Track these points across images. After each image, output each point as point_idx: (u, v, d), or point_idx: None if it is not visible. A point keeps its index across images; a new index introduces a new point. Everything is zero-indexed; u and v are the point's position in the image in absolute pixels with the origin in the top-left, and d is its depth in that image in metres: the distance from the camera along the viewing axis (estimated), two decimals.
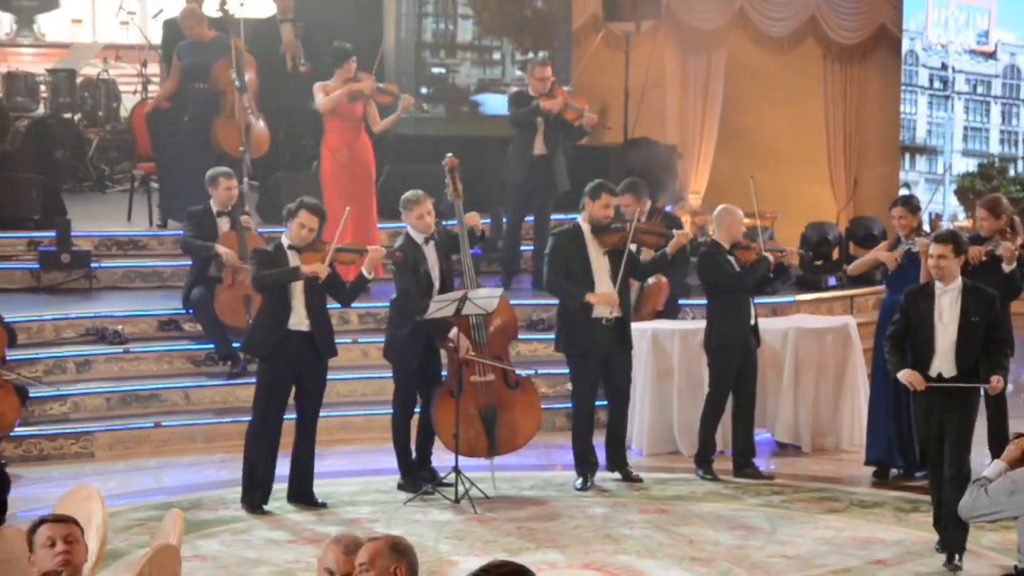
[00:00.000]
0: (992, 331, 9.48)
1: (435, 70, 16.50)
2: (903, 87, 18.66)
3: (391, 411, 11.24)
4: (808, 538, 10.17)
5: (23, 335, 12.44)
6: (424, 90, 16.28)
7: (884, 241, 12.35)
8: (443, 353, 11.27)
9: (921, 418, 9.55)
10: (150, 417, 12.55)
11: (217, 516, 10.54)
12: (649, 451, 12.30)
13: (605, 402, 11.56)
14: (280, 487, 10.77)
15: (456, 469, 10.87)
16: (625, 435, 11.72)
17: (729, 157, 17.70)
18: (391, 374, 11.37)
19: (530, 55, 16.13)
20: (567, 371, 11.69)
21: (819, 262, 15.40)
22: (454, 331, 11.04)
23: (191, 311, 13.03)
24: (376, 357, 12.27)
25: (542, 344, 13.35)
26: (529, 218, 14.45)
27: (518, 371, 11.55)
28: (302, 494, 10.79)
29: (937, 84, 18.72)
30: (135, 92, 17.64)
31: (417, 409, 11.26)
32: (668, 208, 14.12)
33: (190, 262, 13.13)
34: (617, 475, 11.46)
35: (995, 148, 18.70)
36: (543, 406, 11.69)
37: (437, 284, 11.06)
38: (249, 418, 10.82)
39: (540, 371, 12.94)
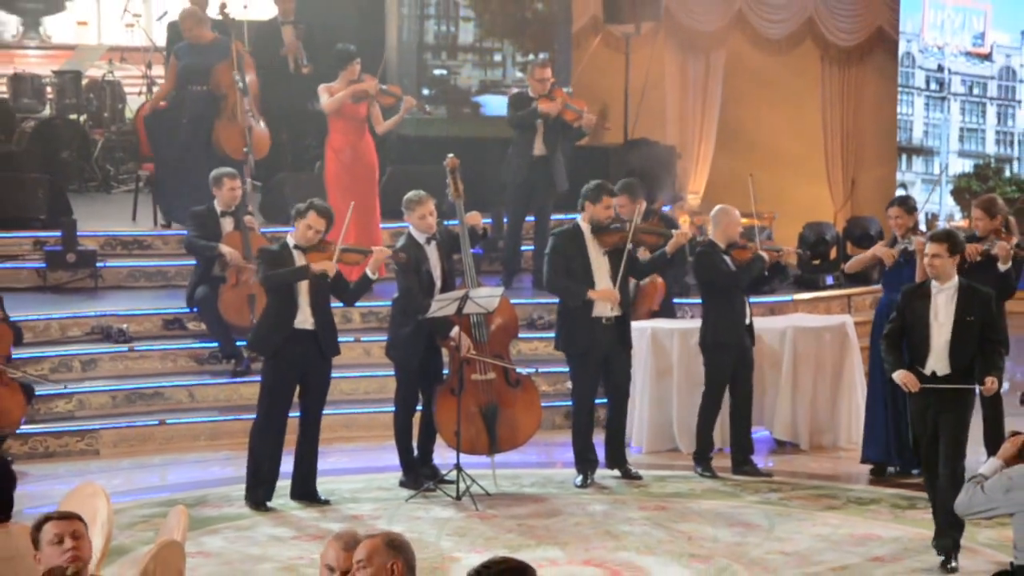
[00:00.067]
0: (987, 331, 9.46)
1: (437, 72, 16.51)
2: (900, 88, 18.71)
3: (393, 409, 11.26)
4: (806, 535, 10.17)
5: (29, 334, 12.53)
6: (426, 92, 16.27)
7: (881, 241, 12.41)
8: (444, 352, 11.29)
9: (916, 418, 9.52)
10: (155, 415, 12.58)
11: (221, 513, 10.55)
12: (648, 449, 12.34)
13: (605, 400, 11.60)
14: (284, 484, 10.79)
15: (457, 466, 10.91)
16: (625, 433, 11.75)
17: (728, 158, 17.72)
18: (393, 372, 11.41)
19: (531, 57, 16.15)
20: (567, 370, 11.71)
21: (817, 262, 15.45)
22: (455, 330, 11.06)
23: (195, 310, 13.06)
24: (378, 355, 12.27)
25: (542, 343, 13.37)
26: (529, 218, 14.49)
27: (519, 369, 11.58)
28: (305, 491, 10.81)
29: (933, 85, 18.79)
30: (140, 93, 17.57)
31: (419, 407, 11.29)
32: (665, 209, 14.20)
33: (194, 262, 13.15)
34: (617, 472, 11.48)
35: (991, 149, 18.76)
36: (543, 404, 11.72)
37: (439, 283, 11.09)
38: (253, 416, 10.83)
39: (540, 369, 12.94)
